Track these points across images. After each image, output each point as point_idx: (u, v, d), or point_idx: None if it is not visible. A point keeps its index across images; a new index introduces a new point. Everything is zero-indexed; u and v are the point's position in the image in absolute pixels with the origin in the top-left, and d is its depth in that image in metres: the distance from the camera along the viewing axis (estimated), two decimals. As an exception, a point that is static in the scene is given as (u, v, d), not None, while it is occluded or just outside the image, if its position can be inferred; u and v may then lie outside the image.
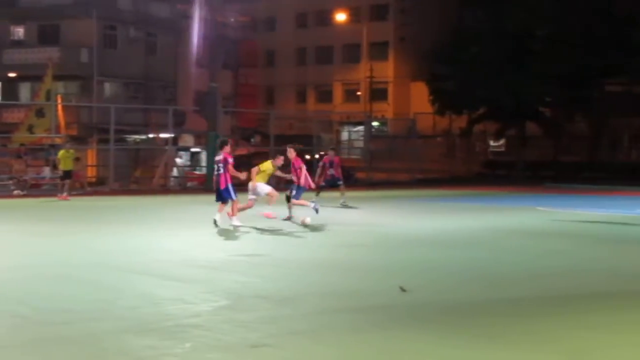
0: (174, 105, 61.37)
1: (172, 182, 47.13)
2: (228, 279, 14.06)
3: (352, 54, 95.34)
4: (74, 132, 53.19)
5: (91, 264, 15.83)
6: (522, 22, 58.60)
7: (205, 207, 27.79)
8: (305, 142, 49.65)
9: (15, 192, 37.94)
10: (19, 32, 66.39)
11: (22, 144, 45.42)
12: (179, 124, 57.37)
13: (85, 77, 62.24)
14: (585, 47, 56.83)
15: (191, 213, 28.84)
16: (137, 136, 59.58)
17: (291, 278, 14.37)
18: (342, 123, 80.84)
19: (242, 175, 23.14)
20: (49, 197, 35.52)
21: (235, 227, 22.11)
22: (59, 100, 49.03)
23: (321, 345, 9.66)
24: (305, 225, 22.99)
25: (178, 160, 50.69)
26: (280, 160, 24.41)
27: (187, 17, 65.70)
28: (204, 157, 49.65)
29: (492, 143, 75.57)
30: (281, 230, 22.31)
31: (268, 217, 23.53)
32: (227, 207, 22.79)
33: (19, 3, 64.39)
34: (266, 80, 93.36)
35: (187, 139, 59.77)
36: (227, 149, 23.16)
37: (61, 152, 35.87)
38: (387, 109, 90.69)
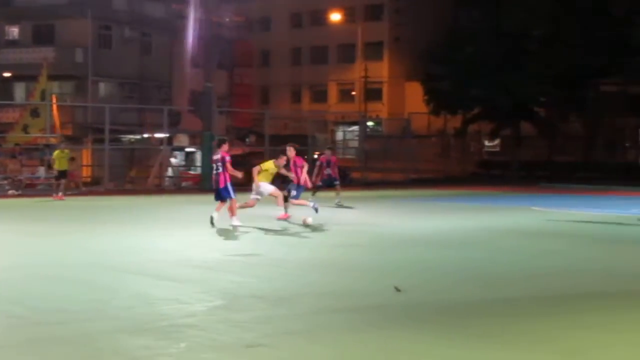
0: (169, 105, 61.24)
1: (167, 182, 47.13)
2: (223, 278, 14.05)
3: (346, 54, 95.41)
4: (69, 132, 53.09)
5: (86, 264, 15.81)
6: (517, 22, 58.62)
7: (200, 207, 27.78)
8: (300, 142, 49.55)
9: (10, 192, 37.93)
10: (14, 31, 66.34)
11: (16, 144, 45.32)
12: (174, 123, 57.29)
13: (80, 77, 62.20)
14: (580, 47, 56.87)
15: (186, 213, 28.83)
16: (132, 136, 59.48)
17: (287, 278, 14.35)
18: (337, 123, 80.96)
19: (240, 174, 23.14)
20: (43, 197, 35.49)
21: (235, 226, 22.10)
22: (54, 100, 48.92)
23: (317, 345, 9.65)
24: (306, 225, 22.95)
25: (173, 160, 50.62)
26: (283, 160, 24.38)
27: (182, 17, 65.61)
28: (198, 157, 49.62)
29: (486, 143, 75.61)
30: (277, 230, 22.30)
31: (284, 218, 23.43)
32: (227, 206, 22.81)
33: (14, 3, 64.33)
34: (261, 80, 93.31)
35: (182, 139, 59.67)
36: (225, 147, 23.17)
37: (56, 152, 35.85)
38: (381, 109, 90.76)
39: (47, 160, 39.82)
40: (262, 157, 48.22)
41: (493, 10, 61.38)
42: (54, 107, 47.26)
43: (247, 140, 67.25)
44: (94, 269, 15.20)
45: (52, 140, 42.22)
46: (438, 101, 66.09)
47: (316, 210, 24.27)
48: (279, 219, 23.70)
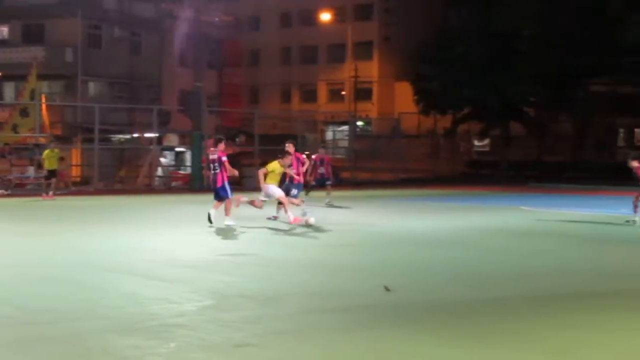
0: (159, 104, 61.20)
1: (156, 182, 47.11)
2: (213, 278, 14.03)
3: (336, 53, 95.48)
4: (59, 132, 53.02)
5: (75, 264, 15.78)
6: (507, 22, 58.67)
7: (189, 206, 27.79)
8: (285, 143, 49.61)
9: (-1, 191, 37.88)
10: (3, 31, 66.13)
11: (6, 144, 45.29)
12: (163, 123, 57.29)
13: (70, 77, 62.07)
14: (570, 47, 56.95)
15: (176, 212, 28.80)
16: (121, 136, 59.44)
17: (276, 278, 14.34)
18: (327, 123, 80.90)
19: (237, 172, 23.16)
20: (33, 197, 35.42)
21: (228, 226, 22.10)
22: (43, 100, 48.91)
23: (306, 344, 9.64)
24: (309, 225, 22.90)
25: (162, 160, 50.63)
26: (289, 159, 24.31)
27: (171, 17, 65.53)
28: (188, 156, 49.60)
29: (476, 143, 75.76)
30: (268, 230, 22.29)
31: (296, 222, 23.14)
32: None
33: (3, 2, 64.08)
34: (251, 80, 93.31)
35: (172, 139, 59.67)
36: (222, 147, 23.11)
37: (46, 152, 35.80)
38: (371, 108, 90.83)
39: (37, 159, 39.76)
40: (251, 157, 48.43)
41: (483, 10, 61.45)
42: (44, 106, 47.24)
43: (236, 140, 67.15)
44: (83, 268, 15.18)
45: (42, 140, 42.14)
46: (428, 101, 66.16)
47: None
48: (292, 223, 23.23)
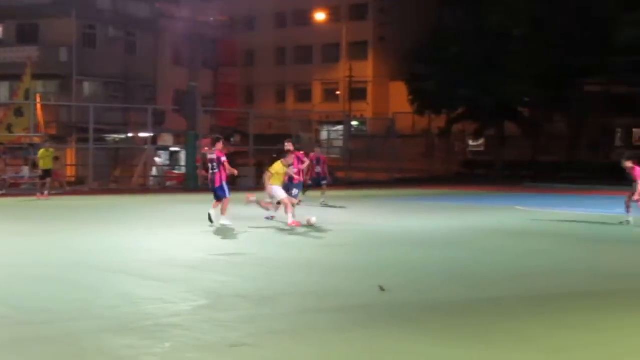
0: (154, 104, 61.06)
1: (151, 182, 47.08)
2: (207, 278, 14.03)
3: (331, 53, 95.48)
4: (53, 132, 52.92)
5: (70, 264, 15.77)
6: (502, 22, 58.76)
7: (184, 206, 27.77)
8: (284, 142, 49.62)
9: (-6, 191, 37.83)
10: (-2, 31, 66.08)
11: (1, 143, 45.21)
12: (158, 123, 57.17)
13: (65, 77, 61.93)
14: (565, 47, 57.07)
15: (170, 212, 28.77)
16: (116, 135, 59.35)
17: (271, 277, 14.33)
18: (322, 122, 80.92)
19: (236, 171, 23.17)
20: (28, 197, 35.40)
21: (224, 225, 22.10)
22: (38, 100, 48.82)
23: (301, 344, 9.65)
24: (310, 224, 22.89)
25: (157, 160, 50.58)
26: (291, 158, 24.32)
27: (166, 17, 65.50)
28: (183, 156, 49.58)
29: (471, 143, 75.79)
30: (264, 230, 22.29)
31: (297, 225, 22.95)
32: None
33: (-2, 2, 64.05)
34: (245, 80, 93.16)
35: (167, 139, 59.59)
36: (220, 146, 23.10)
37: (41, 151, 35.79)
38: (366, 108, 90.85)
39: (32, 159, 39.73)
40: (246, 157, 48.44)
41: (477, 10, 61.47)
42: (38, 106, 47.15)
43: (231, 139, 67.13)
44: (78, 268, 15.17)
45: (36, 140, 42.12)
46: (422, 101, 66.20)
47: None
48: (291, 225, 23.10)
